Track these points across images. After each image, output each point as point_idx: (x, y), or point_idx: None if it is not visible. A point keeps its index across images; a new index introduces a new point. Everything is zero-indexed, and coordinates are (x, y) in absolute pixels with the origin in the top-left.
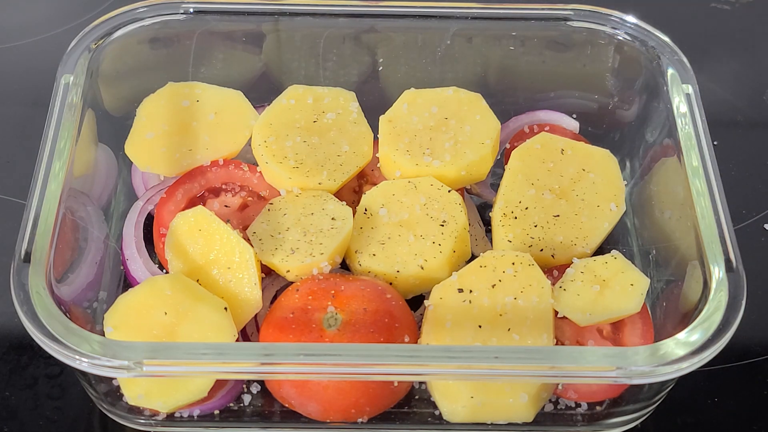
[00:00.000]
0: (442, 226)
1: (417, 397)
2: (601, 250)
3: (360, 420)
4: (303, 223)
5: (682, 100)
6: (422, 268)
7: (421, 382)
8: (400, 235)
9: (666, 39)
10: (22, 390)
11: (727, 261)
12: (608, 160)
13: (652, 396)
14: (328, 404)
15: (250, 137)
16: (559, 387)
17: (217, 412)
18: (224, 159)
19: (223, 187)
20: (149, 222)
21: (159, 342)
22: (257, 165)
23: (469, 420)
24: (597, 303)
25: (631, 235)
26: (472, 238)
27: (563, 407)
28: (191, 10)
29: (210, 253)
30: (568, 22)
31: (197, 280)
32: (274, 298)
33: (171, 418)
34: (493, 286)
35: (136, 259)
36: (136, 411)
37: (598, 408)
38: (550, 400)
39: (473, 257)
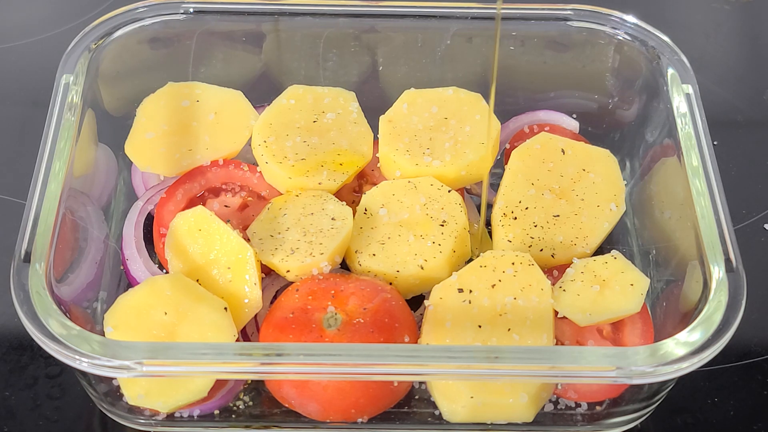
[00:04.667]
0: (442, 226)
1: (417, 397)
2: (601, 250)
3: (360, 420)
4: (303, 223)
5: (682, 100)
6: (422, 268)
7: (421, 382)
8: (400, 235)
9: (666, 39)
10: (22, 390)
11: (727, 261)
12: (608, 160)
13: (652, 396)
14: (328, 404)
15: (250, 137)
16: (559, 387)
17: (217, 412)
18: (224, 159)
19: (223, 187)
20: (149, 222)
21: (159, 342)
22: (257, 165)
23: (469, 420)
24: (597, 303)
25: (631, 235)
26: (472, 238)
27: (563, 407)
28: (191, 10)
29: (210, 253)
30: (568, 22)
31: (197, 280)
32: (274, 298)
33: (171, 418)
34: (493, 286)
35: (136, 259)
36: (136, 411)
37: (598, 408)
38: (550, 400)
39: (473, 257)
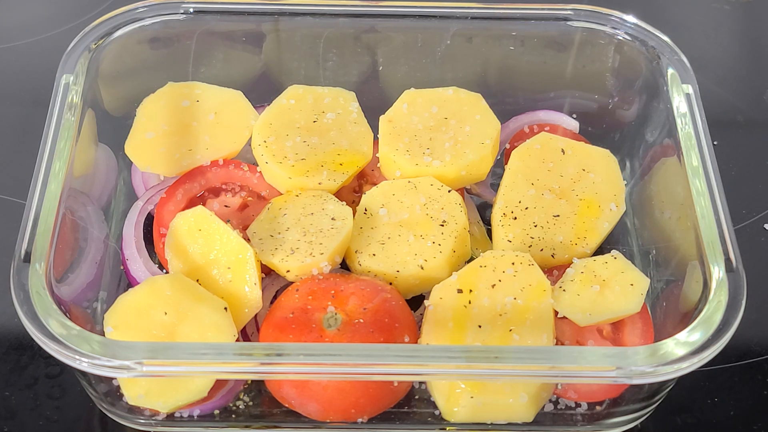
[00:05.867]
0: (442, 226)
1: (417, 397)
2: (601, 250)
3: (360, 420)
4: (303, 223)
5: (682, 100)
6: (422, 268)
7: (421, 382)
8: (400, 235)
9: (666, 39)
10: (22, 390)
11: (727, 261)
12: (608, 160)
13: (652, 396)
14: (328, 404)
15: (250, 137)
16: (559, 387)
17: (217, 412)
18: (224, 159)
19: (223, 187)
20: (149, 222)
21: (159, 342)
22: (257, 165)
23: (469, 420)
24: (597, 303)
25: (631, 235)
26: (472, 238)
27: (563, 407)
28: (191, 10)
29: (210, 253)
30: (568, 22)
31: (197, 280)
32: (274, 298)
33: (171, 418)
34: (493, 286)
35: (136, 259)
36: (136, 411)
37: (598, 408)
38: (550, 400)
39: (473, 257)
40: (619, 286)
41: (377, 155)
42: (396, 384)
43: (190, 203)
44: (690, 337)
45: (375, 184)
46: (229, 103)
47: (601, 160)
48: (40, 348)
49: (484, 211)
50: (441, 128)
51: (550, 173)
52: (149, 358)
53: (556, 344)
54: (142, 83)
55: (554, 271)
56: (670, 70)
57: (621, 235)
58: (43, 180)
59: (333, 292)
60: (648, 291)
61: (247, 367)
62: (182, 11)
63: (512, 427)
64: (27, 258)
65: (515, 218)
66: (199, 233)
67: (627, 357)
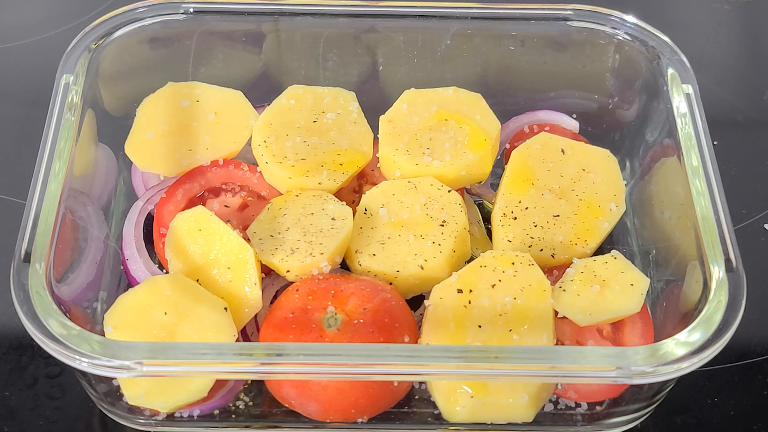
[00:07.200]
0: (442, 226)
1: (417, 397)
2: (601, 250)
3: (360, 420)
4: (303, 223)
5: (682, 100)
6: (422, 268)
7: (421, 382)
8: (400, 235)
9: (666, 39)
10: (22, 390)
11: (727, 261)
12: (608, 160)
13: (652, 396)
14: (328, 404)
15: (250, 137)
16: (559, 387)
17: (217, 412)
18: (224, 159)
19: (223, 187)
20: (149, 222)
21: (159, 342)
22: (257, 165)
23: (469, 420)
24: (597, 303)
25: (631, 235)
26: (472, 238)
27: (563, 407)
28: (191, 10)
29: (210, 253)
30: (568, 22)
31: (197, 280)
32: (274, 298)
33: (171, 418)
34: (493, 286)
35: (136, 259)
36: (136, 411)
37: (598, 408)
38: (550, 400)
39: (473, 257)
40: (619, 286)
41: (377, 155)
42: (396, 384)
43: (190, 203)
44: (690, 337)
45: (375, 184)
46: (229, 103)
47: (601, 160)
48: (40, 348)
49: (484, 211)
50: (441, 128)
51: (550, 173)
52: (149, 358)
53: (556, 344)
54: (142, 83)
55: (554, 271)
56: (670, 70)
57: (621, 235)
58: (43, 180)
59: (333, 292)
60: (648, 291)
61: (247, 367)
62: (182, 11)
63: (512, 427)
64: (27, 258)
65: (515, 218)
66: (199, 233)
67: (627, 357)
